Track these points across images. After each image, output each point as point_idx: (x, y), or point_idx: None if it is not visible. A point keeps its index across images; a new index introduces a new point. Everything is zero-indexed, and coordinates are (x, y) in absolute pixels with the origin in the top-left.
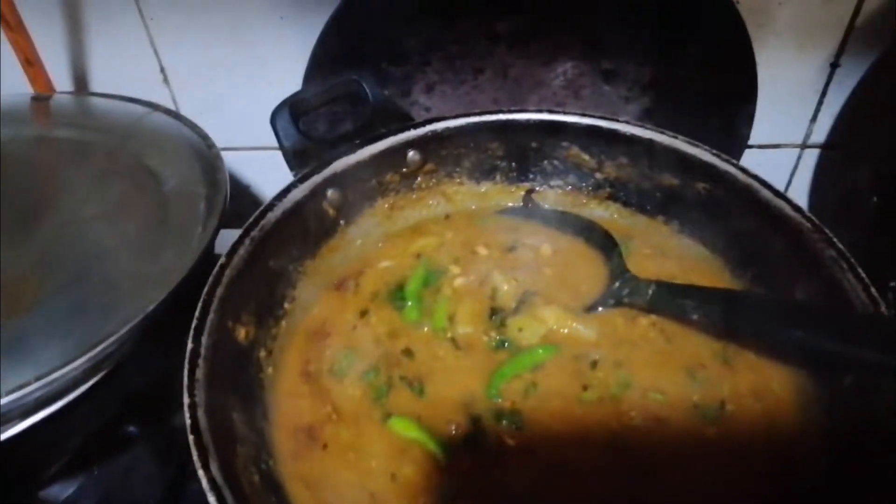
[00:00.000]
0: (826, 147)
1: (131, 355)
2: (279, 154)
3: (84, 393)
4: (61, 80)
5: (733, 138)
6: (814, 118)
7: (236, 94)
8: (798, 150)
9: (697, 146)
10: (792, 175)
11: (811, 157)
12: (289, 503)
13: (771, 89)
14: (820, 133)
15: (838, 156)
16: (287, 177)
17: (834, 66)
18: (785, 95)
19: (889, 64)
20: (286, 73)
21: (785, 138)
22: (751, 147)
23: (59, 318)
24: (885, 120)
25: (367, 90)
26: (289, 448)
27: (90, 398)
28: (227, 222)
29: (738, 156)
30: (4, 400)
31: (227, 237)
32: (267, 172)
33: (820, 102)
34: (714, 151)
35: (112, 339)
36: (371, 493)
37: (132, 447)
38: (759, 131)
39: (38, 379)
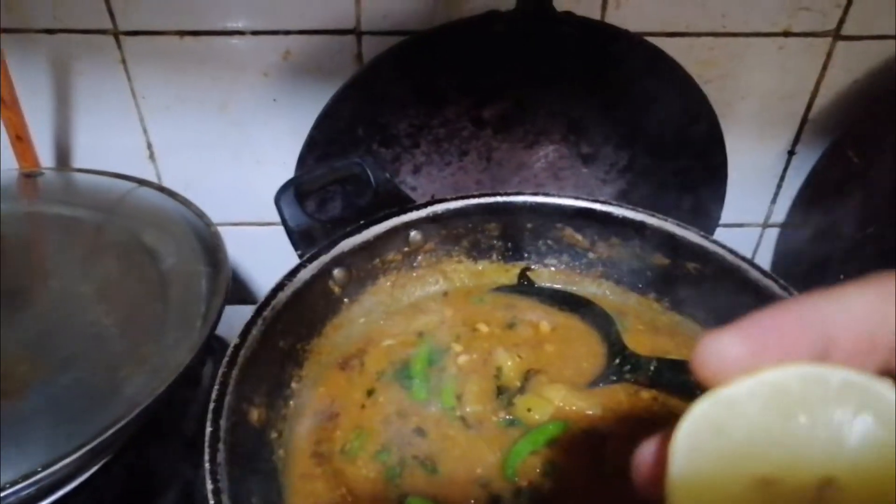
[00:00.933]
0: (785, 226)
1: (131, 441)
2: (263, 229)
3: (82, 482)
4: (44, 155)
5: (706, 219)
6: (773, 200)
7: (222, 171)
8: (760, 228)
9: (687, 228)
10: (754, 252)
11: (771, 235)
12: None
13: (735, 174)
14: (779, 213)
15: (797, 234)
16: (270, 253)
17: (790, 153)
18: (748, 179)
19: (838, 151)
20: (274, 153)
21: (748, 218)
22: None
23: (54, 402)
24: (836, 201)
25: (370, 173)
26: None
27: (88, 487)
28: None
29: (711, 235)
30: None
31: None
32: (251, 247)
33: (779, 186)
34: (702, 233)
35: (117, 426)
36: None
37: None
38: (725, 212)
39: (43, 468)
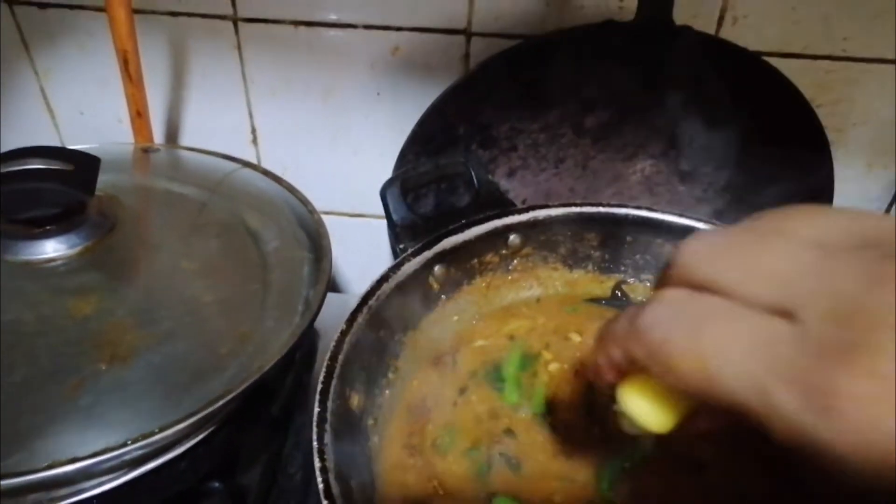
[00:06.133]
0: None
1: (231, 416)
2: (354, 220)
3: (184, 451)
4: (155, 132)
5: None
6: None
7: (319, 159)
8: None
9: None
10: None
11: None
12: None
13: (840, 200)
14: None
15: None
16: (358, 244)
17: None
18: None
19: None
20: (372, 145)
21: None
22: None
23: (159, 372)
24: None
25: (473, 173)
26: None
27: (188, 455)
28: None
29: None
30: (105, 456)
31: None
32: (340, 237)
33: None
34: None
35: (226, 399)
36: None
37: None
38: None
39: (143, 437)
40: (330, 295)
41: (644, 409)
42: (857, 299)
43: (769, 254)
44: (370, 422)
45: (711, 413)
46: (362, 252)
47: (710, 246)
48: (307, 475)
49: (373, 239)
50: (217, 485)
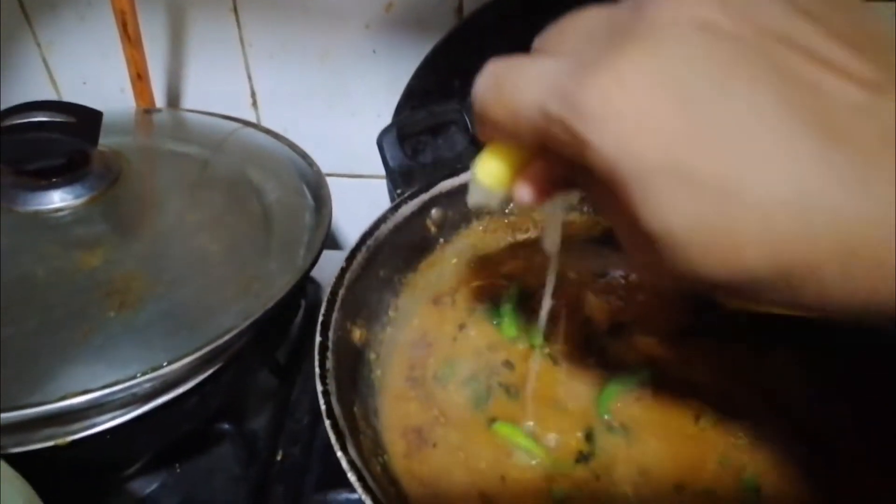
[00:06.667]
0: None
1: (236, 356)
2: (354, 181)
3: (193, 387)
4: (156, 96)
5: None
6: None
7: (318, 120)
8: None
9: None
10: None
11: None
12: (406, 495)
13: None
14: None
15: None
16: (359, 205)
17: None
18: None
19: None
20: (370, 105)
21: None
22: None
23: (167, 315)
24: None
25: (468, 119)
26: (400, 447)
27: (197, 392)
28: None
29: None
30: (116, 388)
31: None
32: (341, 197)
33: None
34: None
35: (231, 334)
36: (482, 491)
37: (215, 447)
38: None
39: (153, 370)
40: (331, 252)
41: (483, 170)
42: (619, 23)
43: (571, 21)
44: (372, 356)
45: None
46: (362, 213)
47: (553, 27)
48: (314, 420)
49: (373, 199)
50: (227, 426)
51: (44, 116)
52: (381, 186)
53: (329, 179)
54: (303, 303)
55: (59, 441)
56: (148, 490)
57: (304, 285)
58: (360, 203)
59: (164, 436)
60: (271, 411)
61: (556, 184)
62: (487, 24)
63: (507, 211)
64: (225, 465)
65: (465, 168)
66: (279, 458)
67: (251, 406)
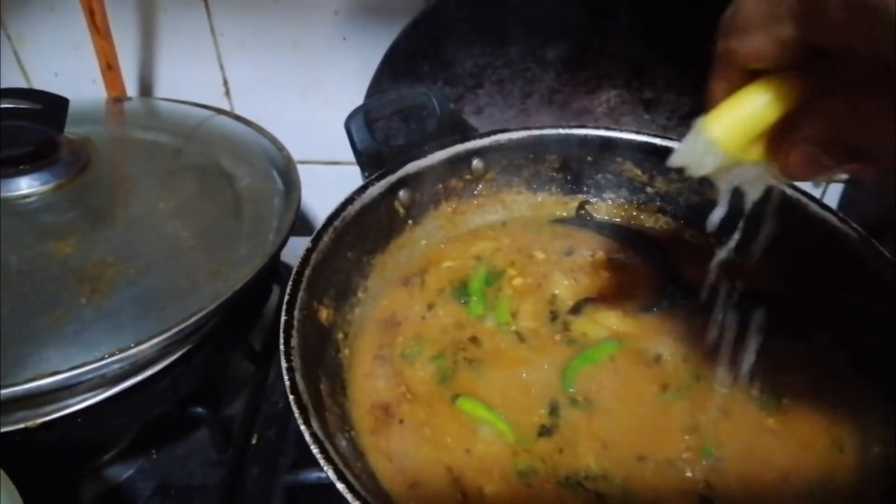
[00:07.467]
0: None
1: (207, 338)
2: (328, 168)
3: (164, 368)
4: (128, 87)
5: None
6: None
7: (291, 108)
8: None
9: None
10: (823, 193)
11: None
12: (372, 470)
13: None
14: None
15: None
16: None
17: None
18: None
19: None
20: (342, 92)
21: None
22: None
23: (139, 300)
24: None
25: (436, 102)
26: (368, 423)
27: (168, 373)
28: None
29: None
30: (85, 369)
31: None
32: (315, 185)
33: None
34: None
35: (200, 314)
36: (447, 466)
37: (190, 432)
38: None
39: (121, 351)
40: (303, 239)
41: (721, 125)
42: None
43: None
44: (340, 335)
45: None
46: (337, 199)
47: None
48: (289, 403)
49: (348, 186)
50: (200, 410)
51: (9, 103)
52: (356, 173)
53: (304, 167)
54: (276, 289)
55: (30, 423)
56: (125, 476)
57: (276, 268)
58: (335, 190)
59: (137, 418)
60: (247, 397)
61: (830, 149)
62: (454, 9)
63: (475, 192)
64: (201, 450)
65: (433, 150)
66: (254, 441)
67: (227, 392)
